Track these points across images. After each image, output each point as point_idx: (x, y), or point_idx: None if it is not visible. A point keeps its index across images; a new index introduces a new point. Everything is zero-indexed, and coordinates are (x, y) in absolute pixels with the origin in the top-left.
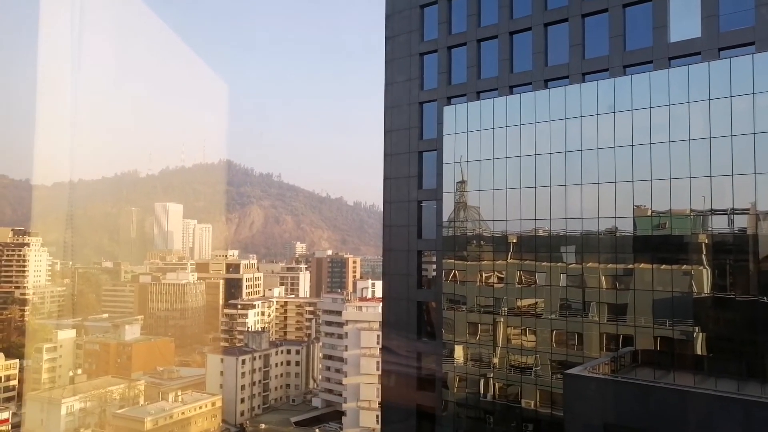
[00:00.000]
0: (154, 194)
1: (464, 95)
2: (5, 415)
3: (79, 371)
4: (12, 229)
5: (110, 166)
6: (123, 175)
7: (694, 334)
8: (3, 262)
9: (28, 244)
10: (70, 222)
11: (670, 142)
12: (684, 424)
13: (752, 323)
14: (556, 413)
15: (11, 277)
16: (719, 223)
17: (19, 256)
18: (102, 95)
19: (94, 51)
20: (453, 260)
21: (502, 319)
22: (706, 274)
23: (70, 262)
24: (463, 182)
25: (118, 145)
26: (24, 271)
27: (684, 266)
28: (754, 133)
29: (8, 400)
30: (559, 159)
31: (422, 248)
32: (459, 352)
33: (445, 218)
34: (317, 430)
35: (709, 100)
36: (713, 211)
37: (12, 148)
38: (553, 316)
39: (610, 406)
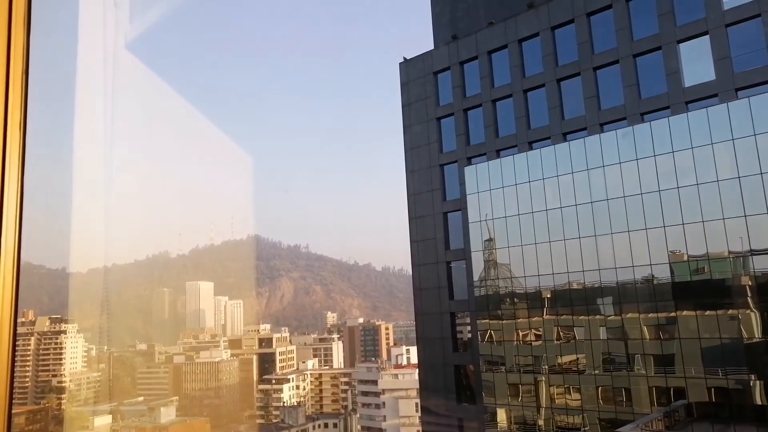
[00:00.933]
0: (185, 273)
1: (484, 154)
2: None
3: None
4: (49, 318)
5: (142, 249)
6: (154, 257)
7: (751, 383)
8: (41, 352)
9: (64, 332)
10: (105, 307)
11: (698, 184)
12: None
13: None
14: None
15: (48, 365)
16: (762, 263)
17: (55, 344)
18: (132, 180)
19: (125, 138)
20: (488, 320)
21: (543, 378)
22: (754, 318)
23: (106, 347)
24: (490, 240)
25: (148, 228)
26: (61, 359)
27: (730, 311)
28: None
29: None
30: (586, 210)
31: (455, 310)
32: (502, 415)
33: (475, 278)
34: None
35: (733, 140)
36: (753, 252)
37: (48, 239)
38: (596, 371)
39: None
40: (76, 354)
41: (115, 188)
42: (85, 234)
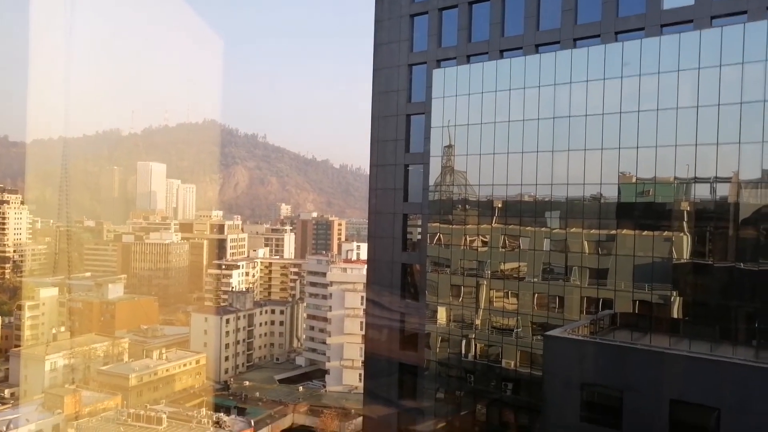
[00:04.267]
0: (137, 153)
1: (454, 58)
2: None
3: (62, 329)
4: None
5: (91, 124)
6: (105, 133)
7: (672, 299)
8: None
9: (7, 202)
10: (50, 180)
11: (658, 110)
12: (658, 384)
13: (727, 288)
14: (535, 373)
15: None
16: (702, 191)
17: None
18: (83, 51)
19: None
20: (438, 224)
21: (485, 282)
22: (686, 241)
23: (51, 221)
24: (450, 146)
25: (99, 102)
26: (3, 229)
27: (665, 233)
28: (740, 103)
29: None
30: (547, 125)
31: (408, 212)
32: (442, 313)
33: (431, 182)
34: (301, 387)
35: (699, 69)
36: (696, 179)
37: None
38: (535, 279)
39: (587, 366)
40: (20, 225)
41: (66, 58)
42: (29, 102)
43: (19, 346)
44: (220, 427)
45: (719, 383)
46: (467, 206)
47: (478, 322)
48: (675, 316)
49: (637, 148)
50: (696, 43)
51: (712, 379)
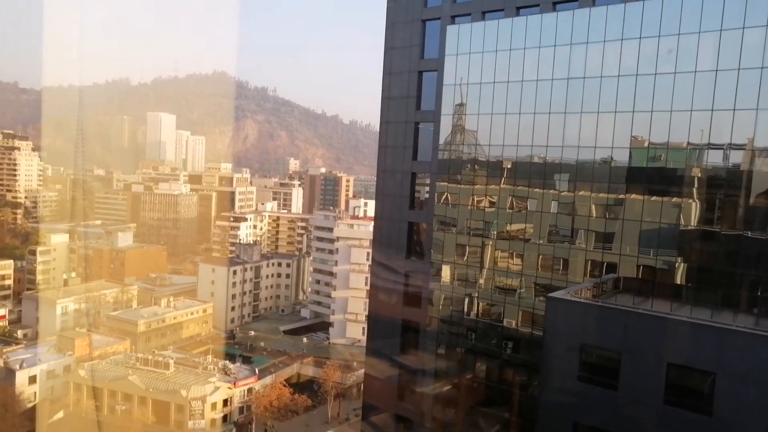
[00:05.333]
0: (147, 103)
1: (469, 15)
2: (1, 311)
3: (73, 274)
4: (1, 132)
5: (100, 72)
6: (114, 83)
7: (676, 264)
8: None
9: (18, 148)
10: (63, 127)
11: (675, 73)
12: (657, 348)
13: (733, 256)
14: (536, 333)
15: (2, 180)
16: (714, 158)
17: (9, 159)
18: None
19: None
20: (446, 183)
21: (490, 242)
22: (695, 207)
23: (62, 168)
24: (462, 105)
25: (109, 50)
26: (15, 175)
27: (675, 198)
28: (762, 68)
29: (4, 298)
30: (561, 86)
31: (417, 170)
32: (446, 271)
33: (441, 141)
34: (305, 339)
35: (721, 30)
36: (710, 146)
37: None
38: (541, 241)
39: (588, 328)
40: (31, 172)
41: (78, 7)
42: (41, 49)
43: (31, 289)
44: (226, 374)
45: (718, 349)
46: (476, 166)
47: (481, 281)
48: (678, 282)
49: (652, 111)
50: (720, 4)
51: (711, 345)
